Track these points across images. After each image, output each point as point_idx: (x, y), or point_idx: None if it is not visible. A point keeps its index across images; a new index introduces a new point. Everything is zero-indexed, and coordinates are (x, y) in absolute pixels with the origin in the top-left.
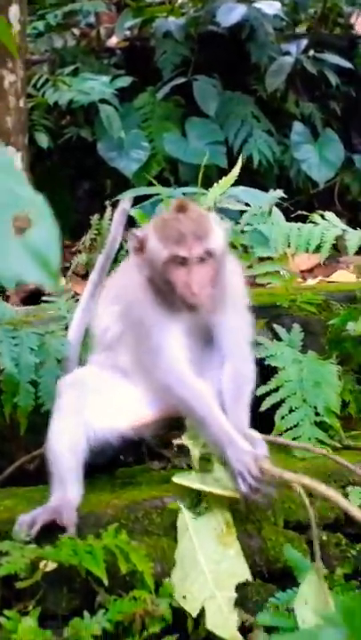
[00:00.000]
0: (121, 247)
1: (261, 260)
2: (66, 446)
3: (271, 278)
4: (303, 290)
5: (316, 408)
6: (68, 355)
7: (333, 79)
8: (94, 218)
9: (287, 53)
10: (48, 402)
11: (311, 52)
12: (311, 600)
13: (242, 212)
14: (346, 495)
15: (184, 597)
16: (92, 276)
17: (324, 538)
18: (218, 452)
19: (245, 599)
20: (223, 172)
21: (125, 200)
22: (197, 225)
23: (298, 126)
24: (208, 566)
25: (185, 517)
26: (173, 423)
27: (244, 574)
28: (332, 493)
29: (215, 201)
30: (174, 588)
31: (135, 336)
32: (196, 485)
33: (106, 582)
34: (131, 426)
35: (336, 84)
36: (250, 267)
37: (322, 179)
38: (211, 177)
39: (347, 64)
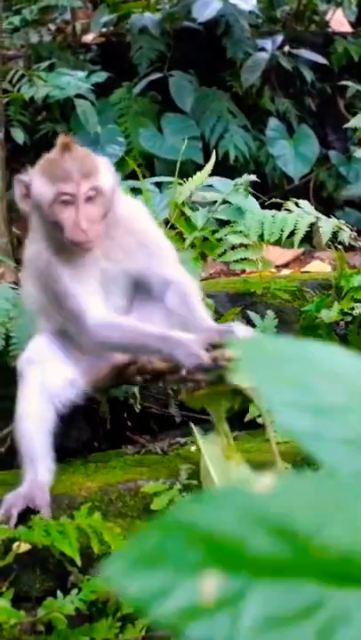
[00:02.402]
0: None
1: (235, 248)
2: (34, 427)
3: (245, 265)
4: (277, 278)
5: None
6: None
7: (309, 75)
8: None
9: (263, 49)
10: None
11: (286, 49)
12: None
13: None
14: None
15: None
16: None
17: None
18: (170, 360)
19: None
20: (199, 168)
21: None
22: (83, 163)
23: (273, 122)
24: (222, 482)
25: (197, 436)
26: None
27: (253, 477)
28: None
29: (191, 193)
30: None
31: (49, 296)
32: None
33: (79, 562)
34: (88, 383)
35: (311, 81)
36: (223, 254)
37: (297, 174)
38: (187, 172)
39: (322, 60)
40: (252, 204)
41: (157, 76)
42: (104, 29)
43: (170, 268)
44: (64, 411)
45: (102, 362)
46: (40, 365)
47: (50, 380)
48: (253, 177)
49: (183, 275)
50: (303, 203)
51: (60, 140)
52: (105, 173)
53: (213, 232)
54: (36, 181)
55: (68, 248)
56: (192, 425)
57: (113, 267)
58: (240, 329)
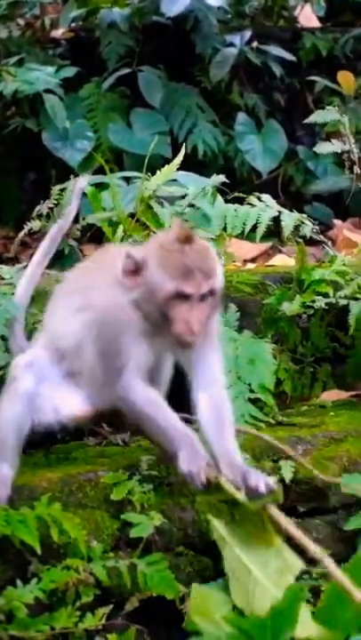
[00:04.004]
0: (76, 220)
1: None
2: (12, 428)
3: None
4: (240, 272)
5: (250, 385)
6: (15, 316)
7: (277, 71)
8: (55, 188)
9: (231, 45)
10: None
11: (255, 44)
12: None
13: (183, 196)
14: (278, 469)
15: (252, 611)
16: (43, 245)
17: None
18: (171, 453)
19: (179, 570)
20: (168, 163)
21: (84, 176)
22: (204, 261)
23: (242, 117)
24: (261, 572)
25: (219, 528)
26: (109, 418)
27: (297, 565)
28: (283, 520)
29: (157, 187)
30: (237, 600)
31: (101, 351)
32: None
33: (39, 552)
34: (69, 418)
35: (280, 76)
36: None
37: (265, 169)
38: (156, 167)
39: (290, 56)
40: (217, 201)
41: (126, 71)
42: (73, 24)
43: (216, 375)
44: (37, 428)
45: (94, 404)
46: (35, 378)
47: (38, 396)
48: (222, 177)
49: (224, 389)
50: (266, 197)
51: (181, 230)
52: (220, 273)
53: None
54: (155, 271)
55: (162, 333)
56: (211, 517)
57: (170, 350)
58: (262, 481)
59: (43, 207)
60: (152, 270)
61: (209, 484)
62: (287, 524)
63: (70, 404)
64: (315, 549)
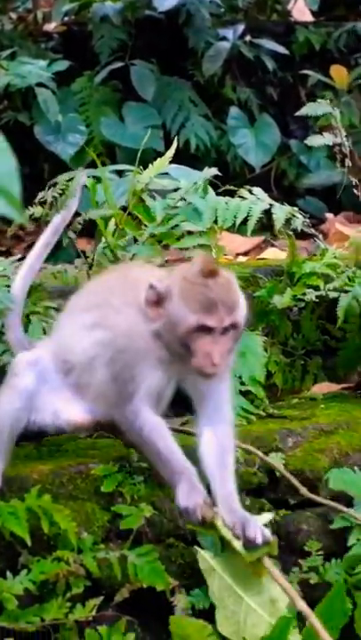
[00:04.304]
0: (77, 214)
1: (190, 233)
2: (7, 422)
3: (200, 251)
4: (231, 265)
5: (241, 378)
6: (11, 308)
7: (270, 64)
8: (61, 178)
9: (224, 39)
10: None
11: (248, 38)
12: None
13: (176, 189)
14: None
15: (244, 639)
16: (44, 237)
17: (248, 503)
18: (170, 484)
19: (169, 562)
20: (160, 156)
21: (84, 170)
22: (227, 294)
23: (234, 111)
24: (253, 599)
25: (207, 558)
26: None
27: (285, 598)
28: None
29: (149, 180)
30: (224, 629)
31: (114, 374)
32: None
33: (29, 543)
34: (68, 424)
35: (273, 70)
36: (179, 240)
37: (258, 163)
38: (148, 161)
39: (283, 50)
40: (208, 195)
41: (119, 64)
42: (66, 18)
43: (225, 413)
44: (31, 427)
45: (95, 416)
46: (37, 377)
47: (38, 396)
48: (214, 171)
49: (230, 428)
50: (257, 190)
51: (205, 263)
52: (243, 307)
53: (169, 219)
54: (178, 303)
55: (182, 364)
56: (198, 549)
57: (186, 378)
58: (259, 532)
59: (47, 194)
60: (175, 302)
61: (204, 522)
62: (278, 575)
63: (71, 410)
64: (301, 605)
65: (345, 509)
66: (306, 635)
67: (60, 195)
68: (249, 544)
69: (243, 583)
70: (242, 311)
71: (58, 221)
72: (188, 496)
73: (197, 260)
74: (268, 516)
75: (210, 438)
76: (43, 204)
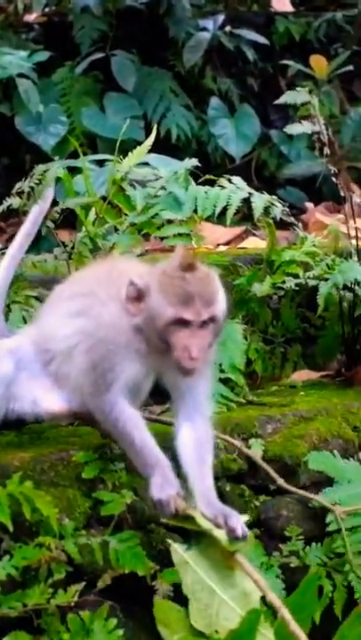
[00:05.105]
0: (56, 203)
1: (170, 222)
2: None
3: (180, 240)
4: (211, 254)
5: (220, 365)
6: None
7: (251, 55)
8: (38, 168)
9: (204, 29)
10: None
11: (228, 28)
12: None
13: (157, 179)
14: (248, 447)
15: (216, 632)
16: (24, 228)
17: (228, 489)
18: (144, 476)
19: (150, 547)
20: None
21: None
22: (205, 288)
23: (215, 101)
24: (226, 593)
25: (180, 552)
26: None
27: (257, 591)
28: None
29: (129, 169)
30: (197, 622)
31: (93, 364)
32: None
33: (11, 529)
34: (46, 413)
35: (253, 60)
36: (159, 229)
37: (238, 153)
38: (129, 151)
39: (263, 40)
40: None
41: (100, 55)
42: (46, 9)
43: (203, 410)
44: (9, 415)
45: (73, 405)
46: (16, 365)
47: (16, 383)
48: (195, 161)
49: (208, 425)
50: (236, 179)
51: (184, 257)
52: (222, 300)
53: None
54: (156, 297)
55: (160, 354)
56: (171, 542)
57: (165, 372)
58: (240, 525)
59: (24, 185)
60: (153, 297)
61: (177, 514)
62: (250, 569)
63: (50, 399)
64: (272, 598)
65: (315, 497)
66: (277, 627)
67: (37, 184)
68: (232, 534)
69: (216, 576)
70: (221, 305)
71: (36, 212)
72: (161, 488)
73: (177, 254)
74: (245, 517)
75: (188, 434)
76: (20, 194)
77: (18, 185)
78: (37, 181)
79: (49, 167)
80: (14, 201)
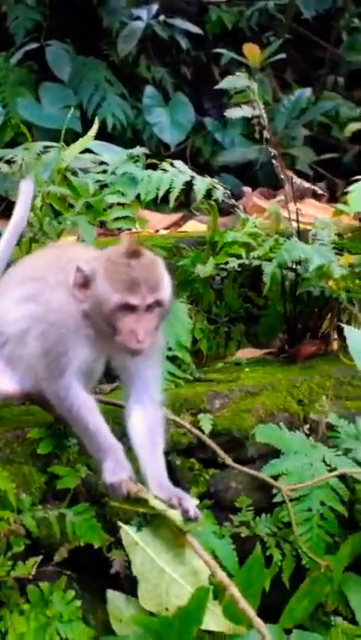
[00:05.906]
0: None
1: (112, 206)
2: None
3: (123, 223)
4: (154, 237)
5: (168, 343)
6: None
7: (184, 44)
8: None
9: (138, 18)
10: None
11: (162, 18)
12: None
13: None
14: (197, 422)
15: (167, 609)
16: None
17: (178, 462)
18: (96, 459)
19: (105, 520)
20: (78, 136)
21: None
22: (150, 274)
23: (150, 90)
24: (176, 571)
25: (130, 533)
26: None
27: (207, 569)
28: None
29: (73, 157)
30: (146, 603)
31: (45, 349)
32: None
33: None
34: (1, 394)
35: (187, 49)
36: (105, 210)
37: (173, 141)
38: (66, 141)
39: (197, 29)
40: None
41: (34, 45)
42: None
43: (153, 393)
44: None
45: (25, 388)
46: None
47: None
48: (141, 149)
49: (159, 409)
50: (178, 163)
51: (128, 244)
52: (167, 285)
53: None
54: (101, 283)
55: (109, 342)
56: (121, 524)
57: (115, 356)
58: (192, 507)
59: None
60: (99, 283)
61: (129, 497)
62: (199, 548)
63: (3, 381)
64: (221, 576)
65: (253, 472)
66: (226, 604)
67: None
68: (186, 514)
69: (166, 556)
70: (166, 290)
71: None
72: (113, 472)
73: (122, 241)
74: (195, 501)
75: (139, 417)
76: None
77: None
78: None
79: None
80: None
